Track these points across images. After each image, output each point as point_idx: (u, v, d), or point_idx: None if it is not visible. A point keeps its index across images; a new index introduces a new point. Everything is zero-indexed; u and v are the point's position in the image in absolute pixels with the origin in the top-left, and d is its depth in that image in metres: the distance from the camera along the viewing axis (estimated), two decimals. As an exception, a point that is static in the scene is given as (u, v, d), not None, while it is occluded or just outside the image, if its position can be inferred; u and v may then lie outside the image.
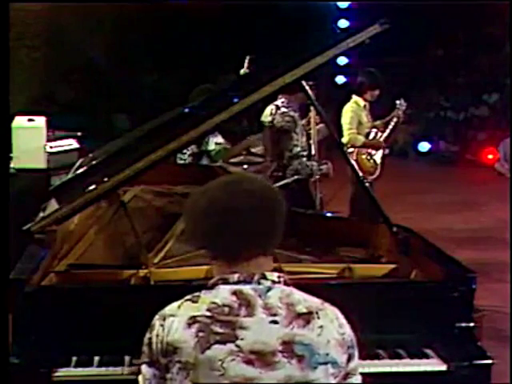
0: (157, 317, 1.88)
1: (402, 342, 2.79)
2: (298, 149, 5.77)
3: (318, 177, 5.65)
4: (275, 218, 1.92)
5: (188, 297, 1.88)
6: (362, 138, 6.44)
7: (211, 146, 5.68)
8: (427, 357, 2.75)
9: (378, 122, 6.64)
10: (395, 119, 6.60)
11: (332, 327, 1.86)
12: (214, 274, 1.94)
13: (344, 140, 6.27)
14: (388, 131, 6.58)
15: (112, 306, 2.69)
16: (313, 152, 5.73)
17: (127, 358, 2.63)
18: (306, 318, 1.84)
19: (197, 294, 1.88)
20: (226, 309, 1.83)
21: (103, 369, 2.62)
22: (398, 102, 6.68)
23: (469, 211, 8.74)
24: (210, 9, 11.38)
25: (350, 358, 1.87)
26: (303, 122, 5.96)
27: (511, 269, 5.89)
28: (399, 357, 2.74)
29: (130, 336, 2.19)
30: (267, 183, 2.04)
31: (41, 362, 2.59)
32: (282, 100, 5.75)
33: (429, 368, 2.72)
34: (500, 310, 5.18)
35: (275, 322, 1.82)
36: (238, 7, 11.27)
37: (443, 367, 2.71)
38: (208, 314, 1.82)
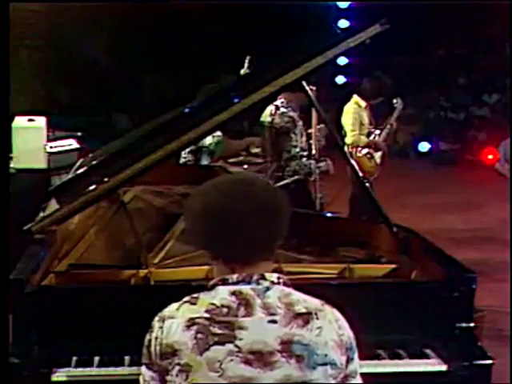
0: (156, 319, 1.87)
1: (402, 342, 2.79)
2: (297, 150, 5.76)
3: (317, 176, 5.65)
4: (276, 221, 1.91)
5: (187, 298, 1.88)
6: (364, 139, 6.44)
7: (208, 141, 5.69)
8: (427, 357, 2.75)
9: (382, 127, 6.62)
10: (394, 119, 6.61)
11: (331, 328, 1.85)
12: (214, 275, 1.94)
13: (348, 141, 6.29)
14: (386, 130, 6.58)
15: (112, 306, 2.70)
16: (313, 151, 5.72)
17: (127, 358, 2.64)
18: (305, 318, 1.84)
19: (196, 295, 1.88)
20: (225, 309, 1.82)
21: (103, 369, 2.62)
22: (394, 101, 6.68)
23: (469, 211, 8.74)
24: (210, 9, 11.37)
25: (348, 360, 1.87)
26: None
27: (511, 269, 5.89)
28: (399, 357, 2.74)
29: (130, 336, 2.19)
30: (270, 184, 2.02)
31: (41, 362, 2.60)
32: (282, 100, 5.74)
33: (429, 368, 2.72)
34: (500, 309, 5.18)
35: (274, 322, 1.82)
36: (237, 7, 11.26)
37: (443, 367, 2.71)
38: (206, 315, 1.82)
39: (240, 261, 1.88)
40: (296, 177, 5.56)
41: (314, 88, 4.83)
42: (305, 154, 5.79)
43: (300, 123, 5.86)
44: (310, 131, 5.83)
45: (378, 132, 6.56)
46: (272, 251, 1.94)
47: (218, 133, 5.69)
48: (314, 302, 1.89)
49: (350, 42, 3.13)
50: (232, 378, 1.77)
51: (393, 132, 6.77)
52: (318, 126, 5.60)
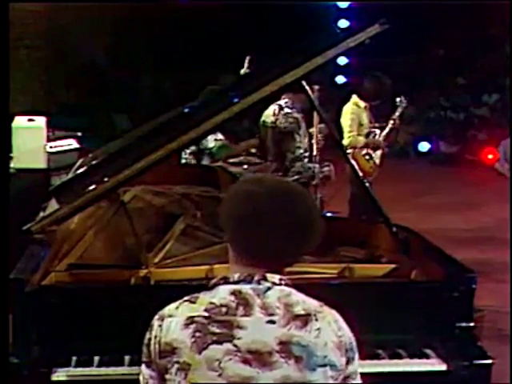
0: (156, 317, 1.88)
1: (401, 341, 2.79)
2: (301, 151, 5.76)
3: (319, 180, 5.64)
4: (306, 237, 1.91)
5: (187, 297, 1.89)
6: (362, 140, 6.43)
7: (211, 144, 5.68)
8: (427, 357, 2.75)
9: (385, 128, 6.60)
10: (396, 117, 6.59)
11: (330, 330, 1.85)
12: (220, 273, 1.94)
13: (345, 142, 6.25)
14: (387, 129, 6.56)
15: (112, 305, 2.70)
16: (314, 153, 5.72)
17: (127, 358, 2.64)
18: (304, 319, 1.84)
19: (196, 294, 1.88)
20: (224, 309, 1.83)
21: (103, 369, 2.62)
22: (398, 99, 6.66)
23: (469, 211, 8.74)
24: (209, 9, 11.37)
25: (348, 361, 1.87)
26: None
27: (511, 269, 5.89)
28: (399, 357, 2.74)
29: (130, 336, 2.19)
30: (310, 201, 1.99)
31: (41, 362, 2.60)
32: (286, 100, 5.72)
33: (429, 368, 2.72)
34: (500, 309, 5.18)
35: (272, 322, 1.82)
36: (238, 7, 11.26)
37: (443, 367, 2.71)
38: (205, 314, 1.82)
39: (254, 263, 1.88)
40: (296, 177, 5.56)
41: (317, 87, 4.84)
42: (307, 154, 5.79)
43: (303, 124, 5.85)
44: (311, 130, 5.83)
45: (377, 131, 6.55)
46: (290, 263, 1.95)
47: (221, 136, 5.69)
48: (313, 304, 1.89)
49: (349, 42, 3.13)
50: (231, 378, 1.77)
51: (394, 131, 6.74)
52: (318, 126, 5.59)
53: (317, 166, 5.64)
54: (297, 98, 5.59)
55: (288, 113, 5.72)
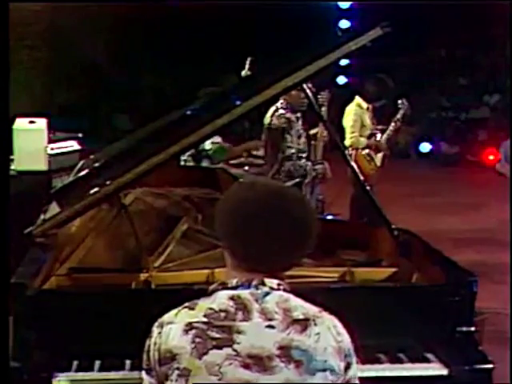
0: (156, 324, 1.88)
1: (403, 346, 2.78)
2: (292, 150, 5.77)
3: (314, 176, 5.65)
4: (301, 240, 1.91)
5: (186, 304, 1.89)
6: (364, 141, 6.43)
7: (207, 146, 5.70)
8: (428, 361, 2.75)
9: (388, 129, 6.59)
10: (397, 120, 6.59)
11: (329, 335, 1.85)
12: (220, 278, 1.93)
13: (346, 143, 6.27)
14: (389, 132, 6.56)
15: (113, 309, 2.69)
16: (310, 152, 5.73)
17: (128, 363, 2.63)
18: (303, 324, 1.84)
19: (195, 301, 1.89)
20: (223, 314, 1.83)
21: (104, 373, 2.62)
22: (399, 101, 6.65)
23: (470, 212, 8.74)
24: (210, 9, 11.37)
25: (348, 367, 1.87)
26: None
27: (511, 270, 5.89)
28: (400, 361, 2.74)
29: (131, 340, 2.18)
30: (305, 203, 1.99)
31: (41, 366, 2.59)
32: (281, 101, 5.75)
33: (430, 372, 2.72)
34: (501, 311, 5.17)
35: (271, 327, 1.82)
36: (238, 8, 11.26)
37: (444, 371, 2.71)
38: (204, 319, 1.82)
39: (252, 268, 1.88)
40: (297, 179, 5.57)
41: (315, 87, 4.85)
42: (303, 155, 5.79)
43: (297, 124, 5.85)
44: (313, 132, 5.83)
45: (379, 133, 6.55)
46: (288, 267, 1.94)
47: (218, 139, 5.71)
48: (311, 309, 1.89)
49: (351, 45, 3.12)
50: (231, 382, 1.77)
51: (395, 133, 6.73)
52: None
53: (309, 163, 5.66)
54: (293, 98, 5.57)
55: (281, 114, 5.75)
